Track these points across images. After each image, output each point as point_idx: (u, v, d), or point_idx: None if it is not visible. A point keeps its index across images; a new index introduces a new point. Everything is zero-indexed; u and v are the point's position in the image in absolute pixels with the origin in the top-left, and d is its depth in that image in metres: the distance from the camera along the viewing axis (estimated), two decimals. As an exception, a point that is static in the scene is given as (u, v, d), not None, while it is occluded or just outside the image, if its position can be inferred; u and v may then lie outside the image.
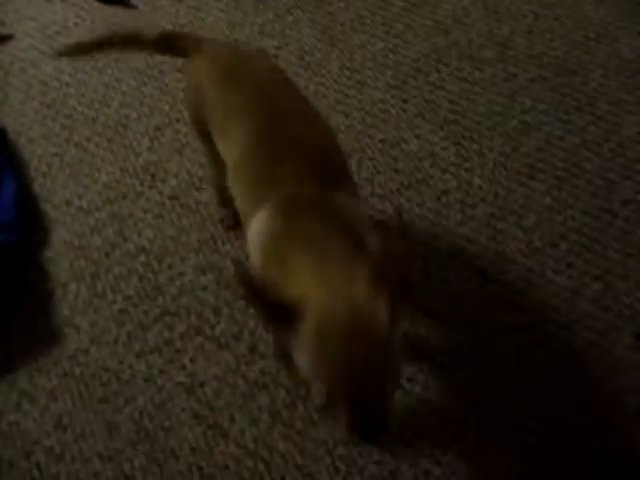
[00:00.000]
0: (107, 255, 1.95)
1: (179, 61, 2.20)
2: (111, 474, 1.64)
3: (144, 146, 2.15)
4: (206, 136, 1.50)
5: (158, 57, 2.33)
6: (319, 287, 1.03)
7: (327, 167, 1.28)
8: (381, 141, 2.09)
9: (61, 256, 1.97)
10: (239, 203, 1.36)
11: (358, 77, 2.25)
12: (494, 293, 1.78)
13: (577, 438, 1.56)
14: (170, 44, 1.58)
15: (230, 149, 1.38)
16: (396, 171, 2.02)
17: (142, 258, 1.91)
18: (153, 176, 2.08)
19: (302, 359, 1.01)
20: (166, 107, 2.23)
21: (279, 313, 1.01)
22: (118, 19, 2.50)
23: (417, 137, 2.09)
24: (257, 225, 1.25)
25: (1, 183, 2.03)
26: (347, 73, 2.27)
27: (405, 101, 2.17)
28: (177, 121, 2.19)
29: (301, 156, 1.26)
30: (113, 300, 1.87)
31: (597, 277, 1.80)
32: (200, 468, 1.62)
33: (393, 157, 2.05)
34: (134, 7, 2.52)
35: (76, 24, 2.52)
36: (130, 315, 1.84)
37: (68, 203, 2.07)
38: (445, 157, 2.04)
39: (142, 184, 2.07)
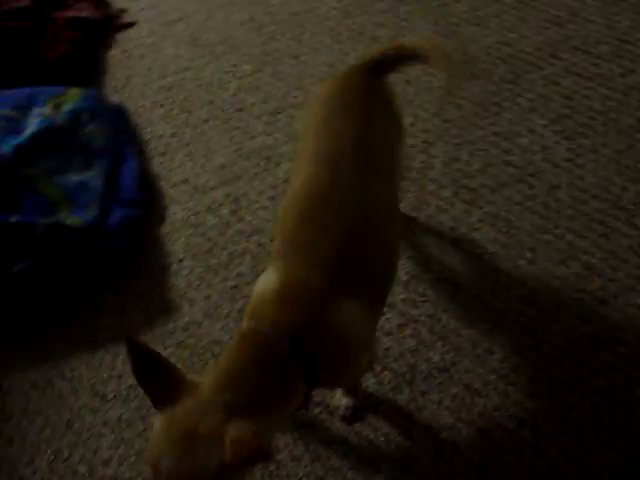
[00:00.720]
0: (221, 233, 2.02)
1: (294, 49, 2.27)
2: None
3: (259, 130, 2.21)
4: None
5: (273, 44, 2.40)
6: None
7: (353, 269, 1.19)
8: (494, 134, 2.10)
9: (177, 232, 2.05)
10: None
11: (471, 69, 2.25)
12: (603, 289, 1.77)
13: None
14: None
15: (291, 181, 1.36)
16: (507, 163, 2.03)
17: (255, 237, 1.97)
18: (268, 159, 2.14)
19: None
20: (280, 93, 2.29)
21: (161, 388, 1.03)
22: (233, 7, 2.57)
23: (530, 131, 2.09)
24: (262, 277, 1.24)
25: (123, 161, 2.12)
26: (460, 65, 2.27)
27: (518, 95, 2.17)
28: (291, 107, 2.25)
29: (332, 242, 1.19)
30: (226, 277, 1.94)
31: None
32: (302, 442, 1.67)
33: (505, 150, 2.05)
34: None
35: (194, 11, 2.60)
36: (242, 292, 1.90)
37: (185, 182, 2.15)
38: (557, 152, 2.03)
39: (257, 166, 2.13)
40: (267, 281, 1.20)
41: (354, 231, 1.21)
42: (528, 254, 1.86)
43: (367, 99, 1.42)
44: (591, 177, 1.98)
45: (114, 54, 2.53)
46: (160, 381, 1.03)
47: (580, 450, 1.53)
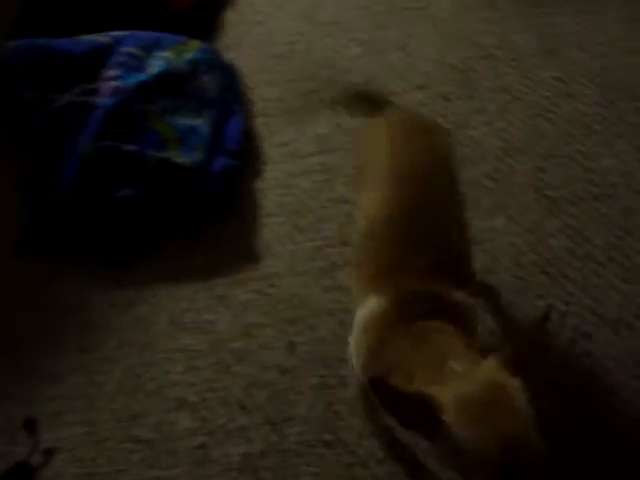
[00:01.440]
0: (313, 197, 2.15)
1: (402, 42, 2.39)
2: (284, 386, 1.84)
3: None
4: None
5: (383, 33, 2.53)
6: (451, 381, 1.02)
7: (453, 265, 1.28)
8: (578, 152, 2.21)
9: (271, 190, 2.19)
10: (357, 269, 1.42)
11: (567, 89, 2.37)
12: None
13: None
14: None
15: (364, 211, 1.41)
16: (588, 181, 2.14)
17: (345, 207, 2.10)
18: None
19: (449, 456, 0.99)
20: (382, 79, 2.44)
21: (417, 413, 0.97)
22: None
23: (614, 155, 2.20)
24: (367, 312, 1.28)
25: (230, 115, 2.27)
26: (556, 83, 2.39)
27: (610, 118, 2.28)
28: (391, 94, 2.35)
29: (430, 251, 1.27)
30: (312, 238, 2.07)
31: None
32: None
33: (587, 168, 2.17)
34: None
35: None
36: (325, 253, 2.04)
37: (284, 144, 2.28)
38: (638, 176, 2.14)
39: (352, 142, 2.26)
40: (379, 307, 1.25)
41: (443, 233, 1.32)
42: (596, 267, 1.97)
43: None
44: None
45: (231, 16, 2.66)
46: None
47: None
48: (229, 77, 2.37)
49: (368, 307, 1.28)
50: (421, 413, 0.96)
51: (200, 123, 2.17)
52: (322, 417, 1.79)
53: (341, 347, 1.83)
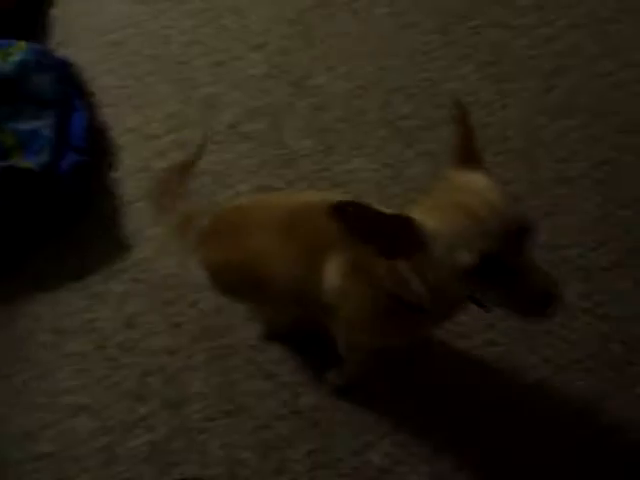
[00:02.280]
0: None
1: (235, 3, 2.38)
2: (176, 367, 1.82)
3: (203, 80, 2.32)
4: None
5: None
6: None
7: None
8: (425, 80, 2.25)
9: (128, 177, 2.14)
10: None
11: (403, 21, 2.40)
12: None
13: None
14: None
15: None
16: (438, 106, 2.18)
17: (204, 179, 2.08)
18: (212, 107, 2.24)
19: (429, 269, 1.07)
20: (223, 45, 2.39)
21: (396, 234, 1.01)
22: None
23: (459, 77, 2.24)
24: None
25: (72, 111, 2.20)
26: (391, 19, 2.42)
27: (448, 44, 2.32)
28: (233, 59, 2.35)
29: None
30: (177, 216, 2.04)
31: (625, 204, 1.95)
32: (255, 362, 1.80)
33: (434, 94, 2.20)
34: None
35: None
36: (192, 228, 2.01)
37: (132, 130, 2.24)
38: (485, 95, 2.20)
39: (202, 114, 2.23)
40: None
41: None
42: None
43: None
44: (516, 116, 2.14)
45: (59, 12, 2.58)
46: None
47: None
48: (64, 73, 2.29)
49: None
50: (402, 234, 1.00)
51: (41, 125, 2.09)
52: (219, 389, 1.79)
53: (223, 317, 1.83)
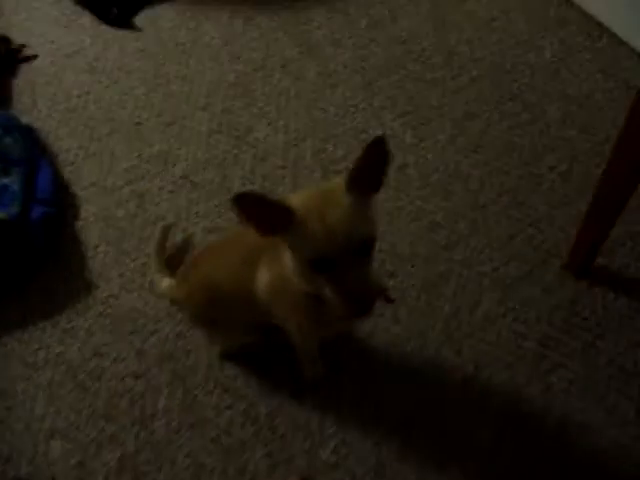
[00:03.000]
0: (130, 222, 2.35)
1: (182, 72, 2.66)
2: (142, 388, 2.02)
3: (156, 138, 2.57)
4: None
5: (165, 68, 2.80)
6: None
7: None
8: (351, 129, 2.55)
9: (91, 225, 2.37)
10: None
11: (332, 80, 2.71)
12: (447, 237, 2.24)
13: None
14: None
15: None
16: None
17: (159, 223, 2.31)
18: (166, 161, 2.50)
19: (294, 246, 1.27)
20: (173, 107, 2.67)
21: (277, 217, 1.21)
22: (126, 40, 2.95)
23: (382, 125, 2.55)
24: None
25: (38, 169, 2.43)
26: (321, 78, 2.73)
27: (372, 97, 2.64)
28: (183, 118, 2.63)
29: None
30: (136, 257, 2.27)
31: (531, 224, 2.26)
32: (214, 378, 2.02)
33: (362, 140, 2.50)
34: (138, 30, 2.97)
35: (91, 44, 2.96)
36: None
37: (94, 184, 2.47)
38: (405, 139, 2.50)
39: (157, 167, 2.49)
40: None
41: None
42: (387, 217, 2.29)
43: None
44: (432, 156, 2.45)
45: (20, 82, 2.82)
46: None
47: None
48: (29, 137, 2.52)
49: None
50: (280, 216, 1.21)
51: (10, 181, 2.30)
52: (182, 404, 1.98)
53: (183, 342, 2.05)
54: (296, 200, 1.24)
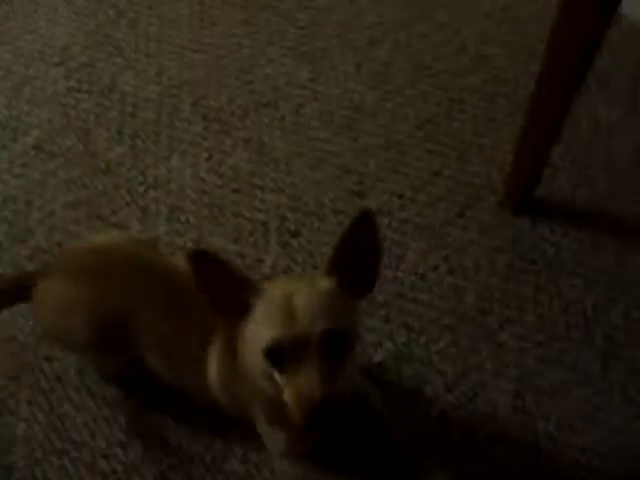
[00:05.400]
0: (-27, 207, 1.91)
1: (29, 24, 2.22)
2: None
3: (2, 104, 2.12)
4: None
5: (9, 24, 2.34)
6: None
7: None
8: (236, 70, 2.14)
9: None
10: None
11: (208, 19, 2.30)
12: (359, 183, 1.85)
13: None
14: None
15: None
16: (252, 92, 2.08)
17: (10, 206, 1.89)
18: (14, 130, 2.06)
19: (247, 339, 1.06)
20: (22, 68, 2.22)
21: (234, 291, 1.03)
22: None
23: (270, 61, 2.15)
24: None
25: None
26: (197, 16, 2.31)
27: (256, 32, 2.23)
28: (34, 78, 2.18)
29: None
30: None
31: (456, 157, 1.90)
32: (88, 388, 1.61)
33: (249, 81, 2.10)
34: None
35: None
36: (3, 257, 1.81)
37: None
38: (299, 75, 2.12)
39: (3, 140, 2.04)
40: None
41: None
42: (283, 166, 1.91)
43: None
44: (334, 90, 2.06)
45: None
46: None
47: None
48: None
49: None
50: (242, 292, 1.02)
51: None
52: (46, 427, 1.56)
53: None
54: (268, 283, 1.07)
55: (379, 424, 1.48)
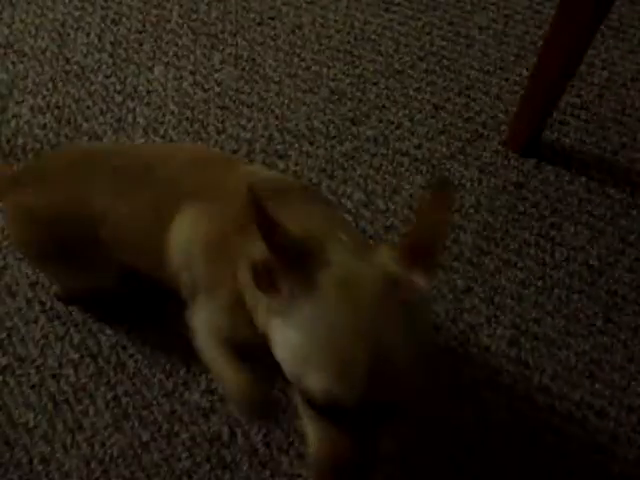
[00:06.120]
0: None
1: None
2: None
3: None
4: None
5: None
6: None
7: None
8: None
9: None
10: None
11: None
12: (355, 109, 1.71)
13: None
14: None
15: None
16: (247, 10, 1.92)
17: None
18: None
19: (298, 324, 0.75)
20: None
21: (294, 257, 0.75)
22: None
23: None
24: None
25: None
26: None
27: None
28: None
29: None
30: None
31: (460, 92, 1.76)
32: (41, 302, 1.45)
33: (246, -6, 1.94)
34: None
35: None
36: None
37: None
38: (296, -3, 1.95)
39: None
40: None
41: None
42: (274, 86, 1.76)
43: None
44: (333, 15, 1.91)
45: None
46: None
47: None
48: None
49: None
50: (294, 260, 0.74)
51: None
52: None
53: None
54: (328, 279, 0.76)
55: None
